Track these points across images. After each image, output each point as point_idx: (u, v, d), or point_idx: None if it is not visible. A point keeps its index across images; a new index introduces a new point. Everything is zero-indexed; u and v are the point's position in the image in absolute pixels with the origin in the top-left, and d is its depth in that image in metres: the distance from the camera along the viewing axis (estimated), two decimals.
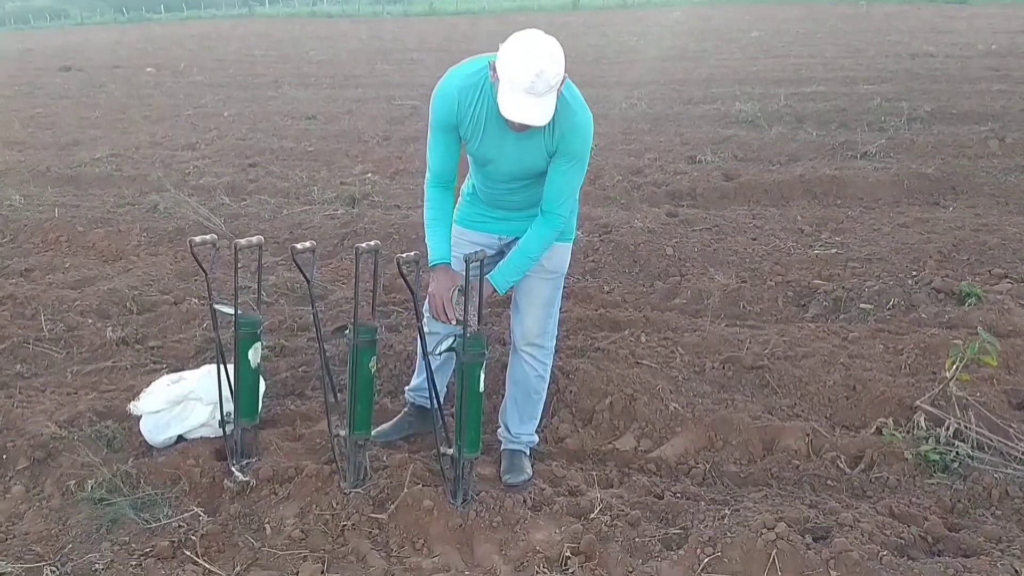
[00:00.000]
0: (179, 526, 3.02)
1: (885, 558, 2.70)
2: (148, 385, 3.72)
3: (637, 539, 2.88)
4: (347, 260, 5.91)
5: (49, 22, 56.78)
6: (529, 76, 2.63)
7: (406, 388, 3.75)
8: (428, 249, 3.16)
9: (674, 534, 2.92)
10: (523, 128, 2.82)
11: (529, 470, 3.36)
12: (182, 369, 4.29)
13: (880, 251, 5.93)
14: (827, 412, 3.82)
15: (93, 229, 6.63)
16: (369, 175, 8.59)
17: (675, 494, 3.23)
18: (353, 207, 7.39)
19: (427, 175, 3.17)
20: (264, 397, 3.82)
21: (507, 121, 2.83)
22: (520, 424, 3.45)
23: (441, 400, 3.50)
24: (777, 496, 3.21)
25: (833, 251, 5.96)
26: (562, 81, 2.74)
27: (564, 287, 5.48)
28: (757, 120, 10.62)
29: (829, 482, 3.36)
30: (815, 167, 8.28)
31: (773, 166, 8.56)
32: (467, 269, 2.91)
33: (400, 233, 6.37)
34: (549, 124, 2.85)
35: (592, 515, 3.01)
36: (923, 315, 4.91)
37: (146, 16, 56.19)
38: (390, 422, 3.66)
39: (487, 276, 3.13)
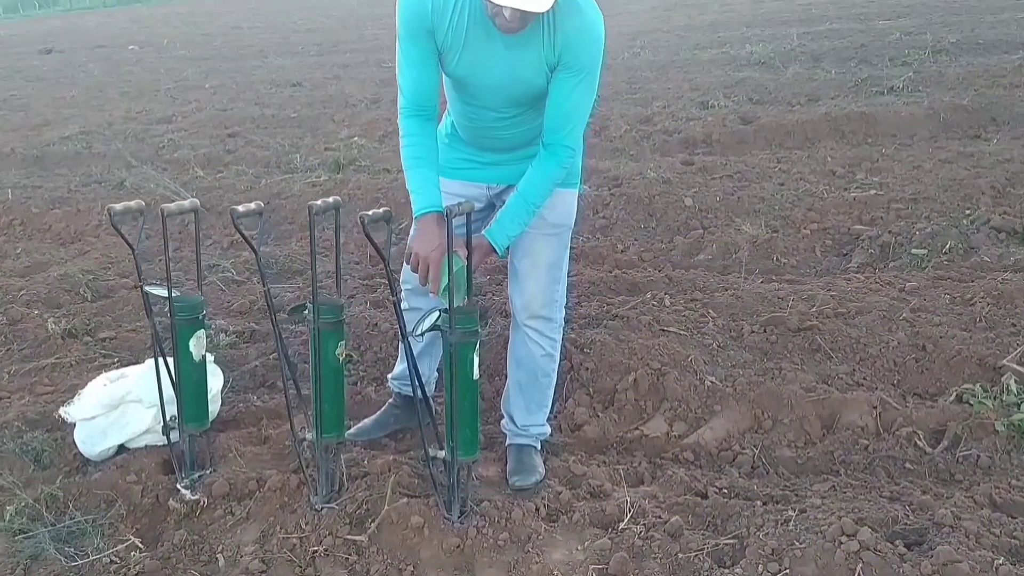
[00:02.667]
0: (110, 562, 2.44)
1: (1002, 568, 2.10)
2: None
3: (680, 554, 2.28)
4: (328, 230, 5.29)
5: (39, 10, 55.76)
6: None
7: (389, 376, 3.15)
8: (411, 196, 2.51)
9: (726, 545, 2.32)
10: (514, 26, 2.23)
11: (541, 468, 2.76)
12: (136, 363, 3.72)
13: (925, 190, 5.27)
14: (894, 378, 3.20)
15: (51, 210, 6.02)
16: (356, 139, 7.95)
17: (721, 490, 2.62)
18: (338, 172, 6.76)
19: (400, 103, 2.53)
20: (224, 392, 3.24)
21: (494, 20, 2.25)
22: (527, 414, 2.84)
23: (428, 391, 2.89)
24: (848, 488, 2.60)
25: (872, 192, 5.31)
26: None
27: (572, 246, 4.91)
28: (771, 61, 9.92)
29: (908, 465, 2.76)
30: (840, 105, 7.60)
31: (793, 106, 7.87)
32: (449, 225, 2.29)
33: (388, 198, 5.74)
34: (548, 26, 2.30)
35: (622, 524, 2.41)
36: (985, 258, 4.29)
37: None
38: (372, 416, 3.07)
39: (481, 234, 2.52)
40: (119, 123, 9.72)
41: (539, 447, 2.86)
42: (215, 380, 3.05)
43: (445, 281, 2.36)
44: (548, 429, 2.91)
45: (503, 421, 2.89)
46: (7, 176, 7.46)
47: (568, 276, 4.36)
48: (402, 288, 2.86)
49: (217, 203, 5.97)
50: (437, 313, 2.38)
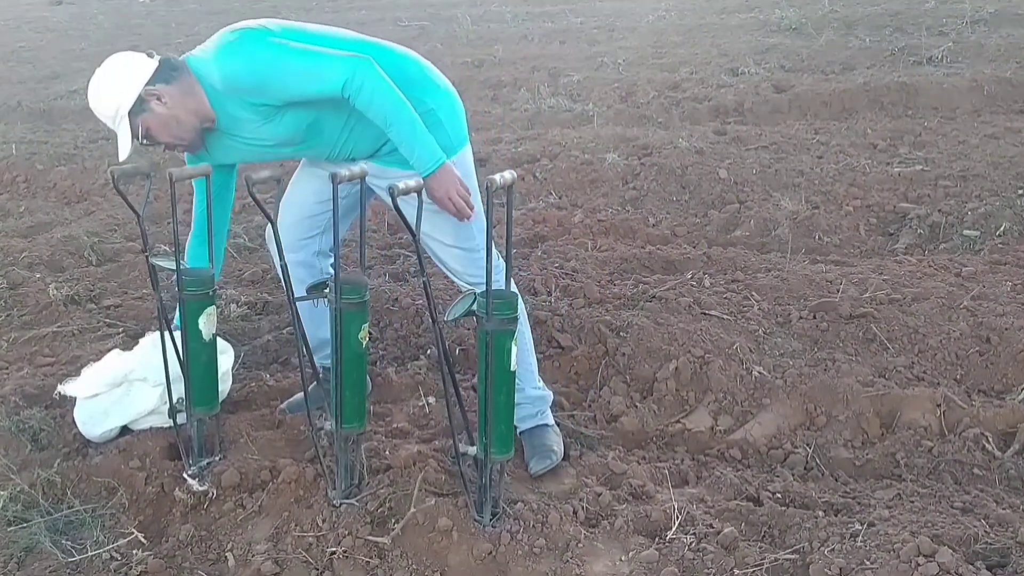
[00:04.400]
0: (111, 557, 2.24)
1: None
2: (97, 358, 2.92)
3: (737, 570, 2.06)
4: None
5: None
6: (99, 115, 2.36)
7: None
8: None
9: (786, 561, 2.10)
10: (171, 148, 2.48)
11: (558, 448, 2.58)
12: (142, 334, 3.50)
13: (974, 166, 5.00)
14: (957, 373, 2.97)
15: (56, 167, 5.78)
16: None
17: (775, 495, 2.41)
18: None
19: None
20: (235, 369, 3.02)
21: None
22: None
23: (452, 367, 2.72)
24: (915, 496, 2.38)
25: (918, 168, 5.04)
26: (136, 101, 2.30)
27: (600, 219, 4.66)
28: (803, 27, 9.55)
29: (976, 470, 2.53)
30: (877, 75, 7.28)
31: (828, 75, 7.56)
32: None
33: None
34: (218, 102, 2.35)
35: (669, 534, 2.19)
36: None
37: None
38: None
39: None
40: None
41: (550, 422, 2.66)
42: (225, 358, 2.82)
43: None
44: (549, 393, 2.70)
45: None
46: (12, 130, 7.21)
47: (599, 251, 4.17)
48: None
49: None
50: (472, 297, 2.15)
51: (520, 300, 2.56)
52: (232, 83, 2.32)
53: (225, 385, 2.82)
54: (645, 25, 10.59)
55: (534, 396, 2.64)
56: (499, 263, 2.30)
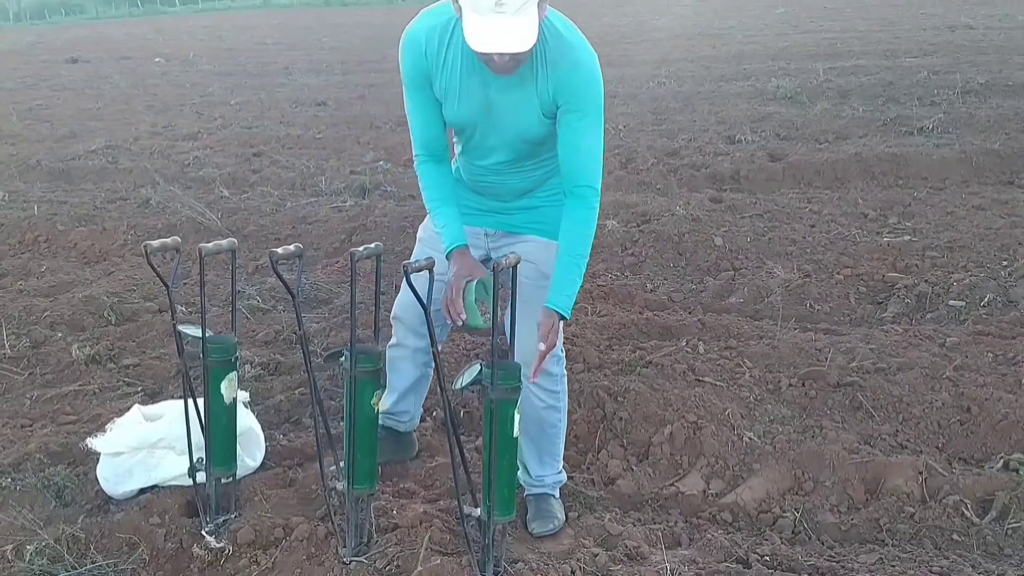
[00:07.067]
0: None
1: None
2: (119, 415, 3.07)
3: None
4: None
5: (65, 17, 56.26)
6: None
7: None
8: (440, 235, 2.58)
9: None
10: (509, 66, 2.25)
11: (560, 515, 2.74)
12: (160, 393, 3.67)
13: (961, 237, 5.19)
14: (938, 441, 3.11)
15: (76, 227, 5.98)
16: (381, 163, 7.92)
17: (763, 558, 2.53)
18: (363, 198, 6.72)
19: (414, 150, 2.60)
20: (258, 446, 3.12)
21: (485, 63, 2.28)
22: (540, 465, 2.80)
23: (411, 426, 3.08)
24: (896, 560, 2.51)
25: (906, 238, 5.23)
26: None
27: (601, 284, 4.83)
28: (798, 96, 9.85)
29: (955, 536, 2.66)
30: (869, 144, 7.52)
31: (821, 144, 7.80)
32: (495, 278, 2.24)
33: (415, 225, 5.65)
34: (542, 67, 2.33)
35: None
36: None
37: (160, 9, 55.60)
38: None
39: (544, 306, 2.48)
40: (145, 138, 9.72)
41: (557, 495, 2.82)
42: (256, 432, 3.00)
43: (473, 314, 2.45)
44: (564, 476, 2.86)
45: (518, 472, 2.81)
46: (33, 189, 7.45)
47: (599, 316, 4.34)
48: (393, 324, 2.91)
49: (243, 225, 5.93)
50: (478, 367, 2.31)
51: (564, 382, 2.78)
52: (574, 63, 2.33)
53: (260, 453, 2.99)
54: (645, 92, 10.90)
55: (551, 482, 2.81)
56: (560, 354, 2.66)
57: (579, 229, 2.50)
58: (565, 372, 2.81)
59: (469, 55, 2.33)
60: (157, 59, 19.93)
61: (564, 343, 3.91)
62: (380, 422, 3.03)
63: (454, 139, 2.69)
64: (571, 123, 2.39)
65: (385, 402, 3.05)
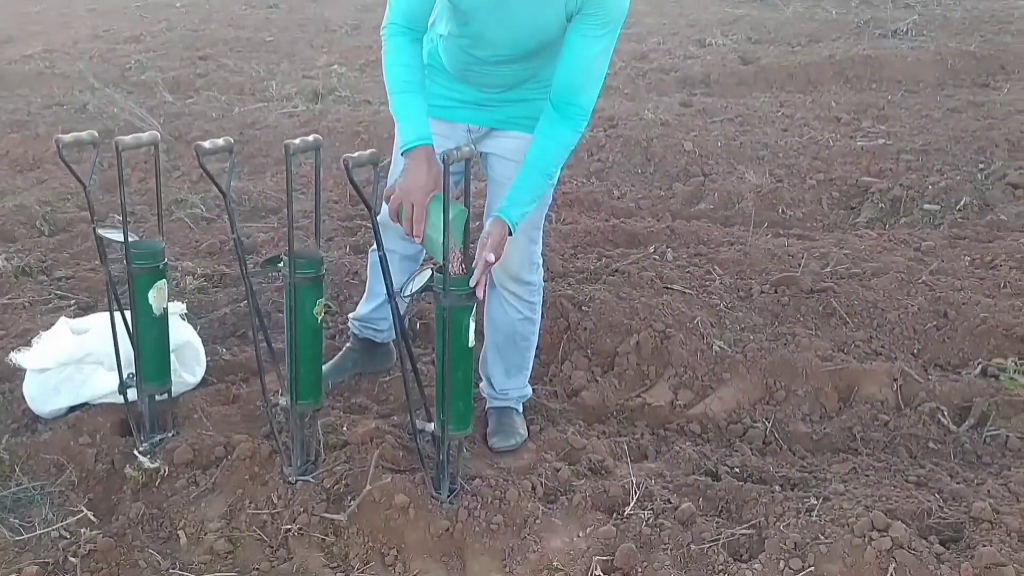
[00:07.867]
0: (59, 536, 2.19)
1: None
2: (47, 330, 2.84)
3: (693, 545, 2.07)
4: (307, 165, 4.96)
5: None
6: None
7: (349, 316, 2.91)
8: (397, 126, 2.26)
9: (743, 536, 2.11)
10: None
11: (523, 430, 2.58)
12: (94, 307, 3.43)
13: (936, 140, 5.04)
14: (914, 347, 3.00)
15: (8, 134, 5.61)
16: (335, 67, 7.53)
17: (733, 469, 2.41)
18: (316, 103, 6.38)
19: (388, 18, 2.23)
20: (197, 360, 2.91)
21: None
22: (506, 378, 2.62)
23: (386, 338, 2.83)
24: (870, 470, 2.40)
25: (880, 142, 5.07)
26: None
27: (565, 191, 4.62)
28: None
29: (931, 444, 2.56)
30: (843, 47, 7.30)
31: (794, 47, 7.58)
32: (446, 174, 2.01)
33: (370, 132, 5.41)
34: None
35: (627, 509, 2.19)
36: (1002, 216, 4.08)
37: None
38: (329, 361, 2.81)
39: (494, 215, 2.23)
40: (85, 41, 9.17)
41: (520, 409, 2.66)
42: (196, 347, 2.79)
43: (432, 229, 2.10)
44: (529, 391, 2.69)
45: (481, 384, 2.64)
46: None
47: (563, 224, 4.14)
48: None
49: (187, 131, 5.58)
50: (429, 271, 2.11)
51: (541, 293, 2.58)
52: None
53: (200, 368, 2.79)
54: None
55: (516, 396, 2.64)
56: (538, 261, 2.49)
57: (557, 149, 2.25)
58: (543, 283, 2.61)
59: None
60: None
61: None
62: (356, 332, 2.87)
63: (437, 16, 2.34)
64: (586, 31, 2.12)
65: (362, 309, 2.87)
